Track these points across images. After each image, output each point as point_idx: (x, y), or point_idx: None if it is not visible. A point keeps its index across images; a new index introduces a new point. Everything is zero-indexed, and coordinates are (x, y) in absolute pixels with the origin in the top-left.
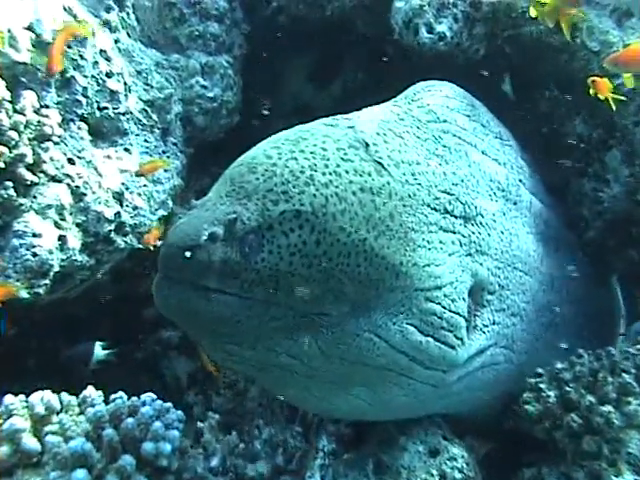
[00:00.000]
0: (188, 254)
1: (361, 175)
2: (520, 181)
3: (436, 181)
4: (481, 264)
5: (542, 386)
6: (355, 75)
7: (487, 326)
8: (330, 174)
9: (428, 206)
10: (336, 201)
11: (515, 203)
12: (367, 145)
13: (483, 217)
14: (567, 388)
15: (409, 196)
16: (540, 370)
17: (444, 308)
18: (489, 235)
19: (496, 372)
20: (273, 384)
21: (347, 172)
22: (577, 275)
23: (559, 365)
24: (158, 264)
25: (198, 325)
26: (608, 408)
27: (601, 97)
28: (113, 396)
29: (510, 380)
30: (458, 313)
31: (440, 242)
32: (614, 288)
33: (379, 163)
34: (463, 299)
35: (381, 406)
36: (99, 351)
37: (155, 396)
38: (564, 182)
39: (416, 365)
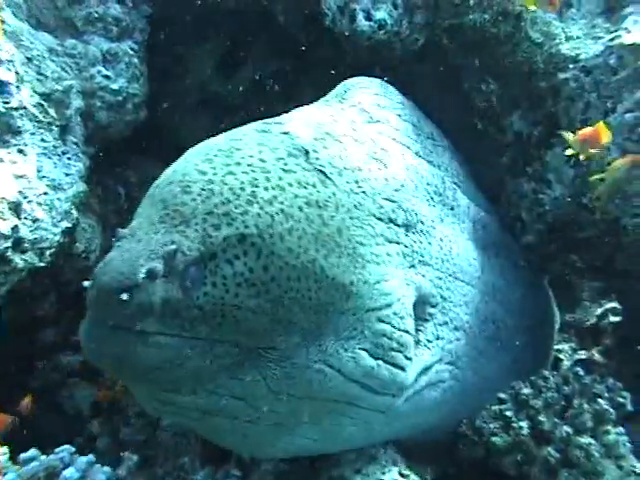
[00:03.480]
0: (125, 296)
1: (305, 187)
2: (455, 184)
3: (379, 188)
4: (424, 275)
5: (509, 414)
6: (266, 63)
7: (431, 341)
8: (273, 189)
9: (374, 216)
10: (282, 219)
11: (452, 208)
12: (307, 152)
13: (423, 224)
14: (540, 418)
15: (355, 207)
16: (503, 395)
17: (394, 327)
18: (430, 244)
19: (442, 390)
20: (211, 432)
21: (291, 185)
22: (517, 282)
23: (525, 390)
24: (88, 308)
25: (134, 372)
26: (587, 440)
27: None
28: (24, 456)
29: (456, 398)
30: (407, 331)
31: (387, 255)
32: (548, 294)
33: (322, 172)
34: (410, 315)
35: (328, 440)
36: None
37: (72, 448)
38: (499, 182)
39: (366, 392)
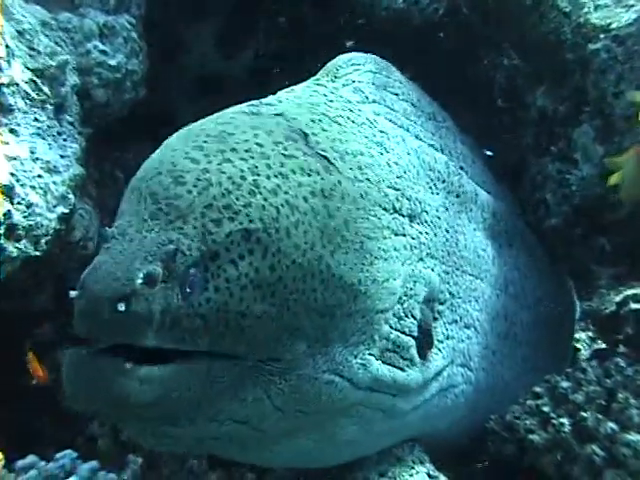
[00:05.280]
0: (122, 306)
1: (309, 174)
2: (462, 169)
3: (382, 174)
4: (432, 269)
5: (546, 410)
6: (270, 41)
7: (442, 342)
8: (275, 176)
9: (379, 206)
10: (288, 212)
11: (458, 195)
12: (306, 135)
13: (427, 214)
14: (582, 413)
15: (361, 196)
16: (538, 389)
17: (391, 327)
18: (435, 235)
19: (454, 396)
20: (206, 451)
21: (294, 172)
22: (533, 273)
23: (563, 383)
24: (77, 324)
25: (128, 413)
26: (636, 437)
27: None
28: (22, 463)
29: (468, 404)
30: (404, 332)
31: (395, 249)
32: (568, 284)
33: (324, 157)
34: (412, 316)
35: (327, 442)
36: None
37: (74, 453)
38: (520, 162)
39: (367, 391)
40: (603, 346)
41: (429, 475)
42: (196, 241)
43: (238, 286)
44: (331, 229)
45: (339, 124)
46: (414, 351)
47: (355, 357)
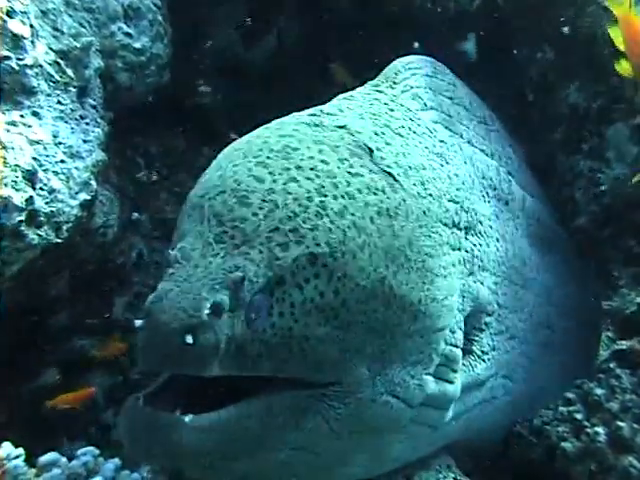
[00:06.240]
0: (189, 338)
1: (375, 193)
2: (510, 174)
3: (443, 188)
4: (482, 283)
5: (579, 417)
6: (293, 28)
7: (487, 353)
8: (342, 197)
9: (440, 222)
10: (355, 234)
11: (507, 203)
12: (371, 151)
13: (482, 224)
14: (618, 423)
15: (424, 213)
16: (570, 395)
17: (445, 343)
18: (487, 246)
19: (493, 408)
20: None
21: (360, 192)
22: (569, 279)
23: (598, 390)
24: (140, 354)
25: (188, 461)
26: None
27: None
28: (43, 460)
29: (505, 414)
30: (456, 345)
31: (453, 265)
32: (595, 285)
33: (389, 174)
34: (460, 328)
35: (376, 460)
36: None
37: (96, 451)
38: (549, 159)
39: (418, 408)
40: (623, 347)
41: None
42: (262, 267)
43: (303, 311)
44: (395, 249)
45: (401, 136)
46: (460, 363)
47: (412, 377)
